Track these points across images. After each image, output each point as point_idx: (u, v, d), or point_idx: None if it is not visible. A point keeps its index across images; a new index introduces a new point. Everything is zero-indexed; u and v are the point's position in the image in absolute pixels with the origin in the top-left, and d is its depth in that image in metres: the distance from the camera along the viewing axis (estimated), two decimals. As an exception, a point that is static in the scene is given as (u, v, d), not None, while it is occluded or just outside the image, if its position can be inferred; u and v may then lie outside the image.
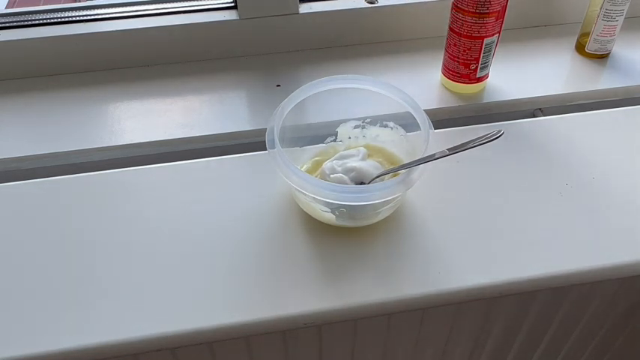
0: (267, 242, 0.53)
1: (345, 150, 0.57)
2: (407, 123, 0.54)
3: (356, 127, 0.58)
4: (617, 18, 0.69)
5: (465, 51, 0.64)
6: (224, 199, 0.56)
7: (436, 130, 0.52)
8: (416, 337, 0.57)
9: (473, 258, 0.52)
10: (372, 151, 0.57)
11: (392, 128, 0.57)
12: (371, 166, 0.54)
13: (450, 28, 0.65)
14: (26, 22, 0.71)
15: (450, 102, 0.68)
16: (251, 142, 0.65)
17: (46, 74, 0.72)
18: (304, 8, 0.73)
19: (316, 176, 0.54)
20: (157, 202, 0.56)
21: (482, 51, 0.64)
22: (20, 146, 0.64)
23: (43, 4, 0.74)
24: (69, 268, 0.51)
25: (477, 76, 0.67)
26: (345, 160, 0.54)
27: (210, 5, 0.74)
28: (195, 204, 0.56)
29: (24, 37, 0.70)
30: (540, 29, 0.79)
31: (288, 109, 0.53)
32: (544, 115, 0.68)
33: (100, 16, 0.72)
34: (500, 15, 0.62)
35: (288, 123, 0.52)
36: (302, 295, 0.49)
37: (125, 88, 0.71)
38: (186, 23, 0.72)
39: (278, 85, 0.71)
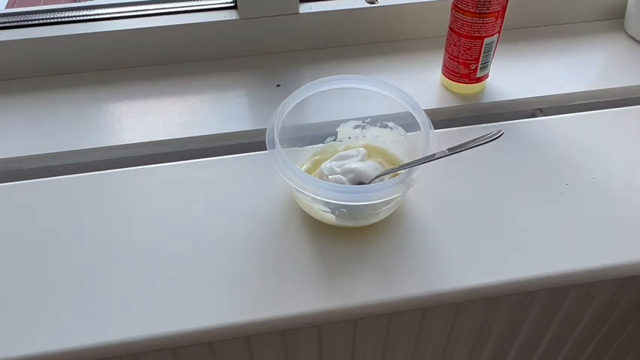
0: (267, 242, 0.53)
1: (344, 150, 0.57)
2: (407, 123, 0.54)
3: (356, 127, 0.58)
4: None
5: (465, 51, 0.64)
6: (224, 199, 0.56)
7: (436, 130, 0.52)
8: (416, 337, 0.57)
9: (473, 258, 0.52)
10: (371, 152, 0.57)
11: (392, 128, 0.57)
12: (370, 167, 0.54)
13: (450, 28, 0.65)
14: (26, 22, 0.71)
15: (450, 102, 0.68)
16: (251, 142, 0.65)
17: (46, 74, 0.72)
18: (304, 8, 0.73)
19: (315, 176, 0.54)
20: (156, 202, 0.56)
21: (483, 51, 0.64)
22: (20, 146, 0.64)
23: (43, 4, 0.74)
24: (69, 268, 0.51)
25: (477, 76, 0.67)
26: (344, 161, 0.54)
27: (210, 5, 0.74)
28: (195, 204, 0.56)
29: (24, 37, 0.70)
30: (540, 29, 0.79)
31: (288, 109, 0.53)
32: (544, 115, 0.68)
33: (99, 16, 0.72)
34: (500, 15, 0.62)
35: (288, 123, 0.52)
36: (302, 295, 0.49)
37: (125, 88, 0.71)
38: (186, 23, 0.72)
39: (278, 85, 0.71)
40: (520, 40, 0.77)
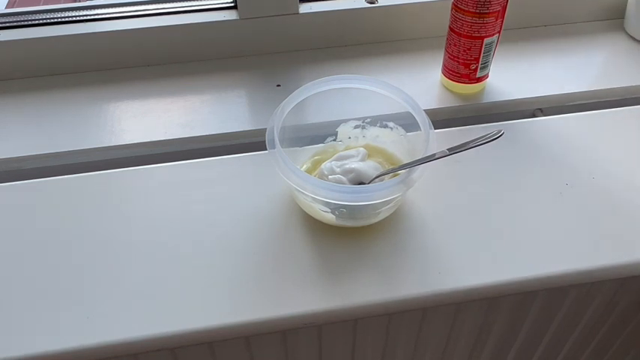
0: (267, 242, 0.53)
1: (344, 150, 0.57)
2: (407, 123, 0.54)
3: (356, 127, 0.58)
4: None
5: (465, 51, 0.64)
6: (224, 199, 0.56)
7: (436, 130, 0.52)
8: (416, 337, 0.57)
9: (473, 258, 0.52)
10: (371, 152, 0.57)
11: (392, 128, 0.57)
12: (370, 167, 0.54)
13: (450, 28, 0.65)
14: (26, 22, 0.71)
15: (450, 102, 0.68)
16: (251, 142, 0.65)
17: (46, 74, 0.72)
18: (304, 8, 0.73)
19: (315, 176, 0.54)
20: (156, 202, 0.56)
21: (483, 51, 0.64)
22: (20, 146, 0.64)
23: (43, 4, 0.74)
24: (68, 268, 0.51)
25: (477, 76, 0.67)
26: (344, 161, 0.54)
27: (210, 5, 0.74)
28: (195, 204, 0.56)
29: (24, 37, 0.70)
30: (540, 29, 0.79)
31: (288, 109, 0.53)
32: (544, 115, 0.68)
33: (99, 16, 0.72)
34: (500, 15, 0.62)
35: (288, 123, 0.52)
36: (302, 295, 0.49)
37: (125, 88, 0.71)
38: (186, 23, 0.72)
39: (278, 85, 0.71)
40: (520, 40, 0.77)
